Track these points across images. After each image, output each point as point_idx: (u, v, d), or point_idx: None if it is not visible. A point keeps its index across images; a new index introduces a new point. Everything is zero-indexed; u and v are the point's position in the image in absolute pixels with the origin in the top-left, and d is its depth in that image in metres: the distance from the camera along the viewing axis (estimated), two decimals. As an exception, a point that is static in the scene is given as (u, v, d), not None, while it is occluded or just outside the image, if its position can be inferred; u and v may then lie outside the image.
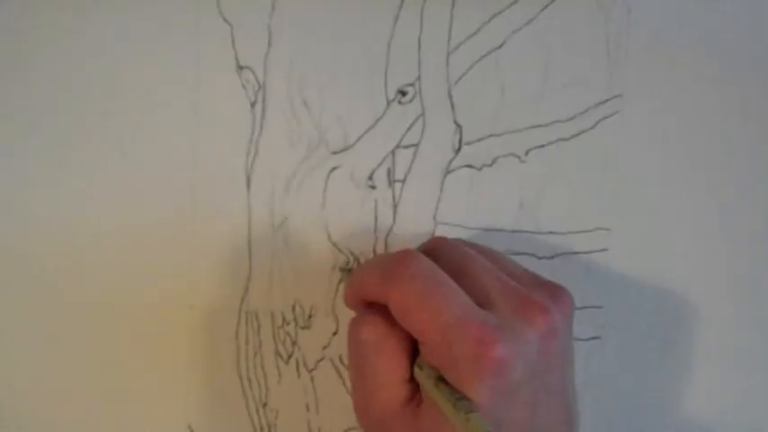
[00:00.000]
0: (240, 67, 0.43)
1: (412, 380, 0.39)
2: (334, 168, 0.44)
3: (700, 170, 0.47)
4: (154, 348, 0.44)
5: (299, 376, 0.45)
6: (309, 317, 0.45)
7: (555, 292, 0.41)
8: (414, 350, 0.39)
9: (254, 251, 0.44)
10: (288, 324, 0.45)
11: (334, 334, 0.45)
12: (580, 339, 0.47)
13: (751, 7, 0.46)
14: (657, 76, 0.46)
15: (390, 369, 0.39)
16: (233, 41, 0.43)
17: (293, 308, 0.45)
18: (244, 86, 0.43)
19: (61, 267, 0.43)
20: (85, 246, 0.43)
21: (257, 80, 0.43)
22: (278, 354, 0.45)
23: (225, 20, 0.43)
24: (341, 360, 0.45)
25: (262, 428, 0.45)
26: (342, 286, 0.45)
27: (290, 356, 0.45)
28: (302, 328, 0.45)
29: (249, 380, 0.45)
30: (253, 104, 0.44)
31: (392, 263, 0.39)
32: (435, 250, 0.41)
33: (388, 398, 0.39)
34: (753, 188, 0.47)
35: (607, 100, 0.45)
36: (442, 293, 0.38)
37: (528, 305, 0.39)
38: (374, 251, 0.45)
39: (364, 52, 0.44)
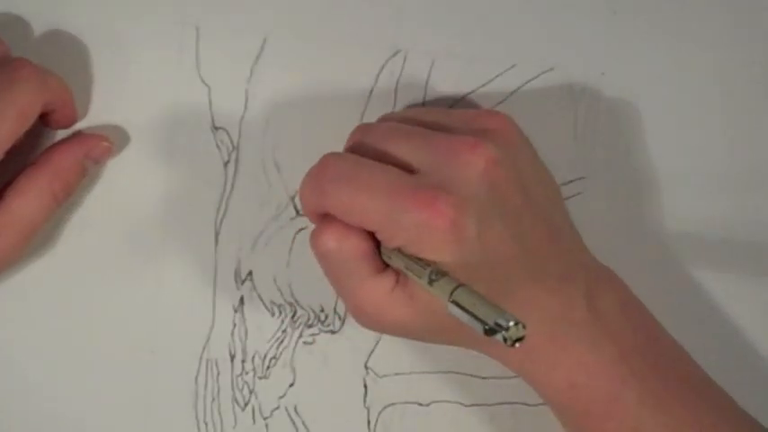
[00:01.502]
0: (215, 128, 0.45)
1: (388, 267, 0.40)
2: (300, 229, 0.45)
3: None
4: (113, 389, 0.46)
5: (254, 422, 0.47)
6: (268, 367, 0.46)
7: (483, 119, 0.40)
8: (377, 240, 0.39)
9: (218, 302, 0.46)
10: (247, 373, 0.46)
11: (291, 385, 0.46)
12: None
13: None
14: (621, 160, 0.47)
15: (362, 265, 0.39)
16: (210, 103, 0.44)
17: (252, 358, 0.46)
18: (218, 146, 0.45)
19: (30, 309, 0.45)
20: (52, 283, 0.45)
21: (231, 141, 0.45)
22: (235, 400, 0.47)
23: (203, 81, 0.44)
24: (296, 410, 0.47)
25: (215, 471, 0.47)
26: (301, 341, 0.46)
27: (246, 404, 0.47)
28: (260, 377, 0.46)
29: (206, 423, 0.46)
30: (226, 164, 0.45)
31: (314, 176, 0.39)
32: (355, 142, 0.41)
33: (374, 291, 0.39)
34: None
35: (570, 181, 0.46)
36: (366, 182, 0.38)
37: (452, 149, 0.38)
38: (335, 309, 0.46)
39: (337, 121, 0.45)
